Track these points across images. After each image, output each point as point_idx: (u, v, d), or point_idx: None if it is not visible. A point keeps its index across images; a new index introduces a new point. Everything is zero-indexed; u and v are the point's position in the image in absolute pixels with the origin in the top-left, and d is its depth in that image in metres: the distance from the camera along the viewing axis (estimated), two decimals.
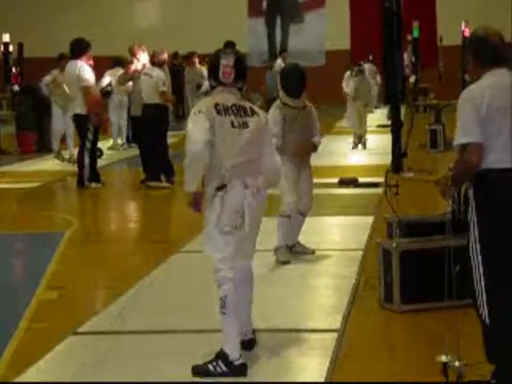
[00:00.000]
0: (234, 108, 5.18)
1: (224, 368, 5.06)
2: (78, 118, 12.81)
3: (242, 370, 5.08)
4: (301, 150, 7.83)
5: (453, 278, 5.25)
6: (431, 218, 6.77)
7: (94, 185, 12.74)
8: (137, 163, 14.14)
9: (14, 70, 23.19)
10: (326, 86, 25.25)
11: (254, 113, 5.25)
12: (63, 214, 10.73)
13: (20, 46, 26.09)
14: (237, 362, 5.07)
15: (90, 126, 12.63)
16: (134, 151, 16.74)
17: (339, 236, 9.24)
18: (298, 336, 5.84)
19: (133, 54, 13.97)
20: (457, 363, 4.71)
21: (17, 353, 5.64)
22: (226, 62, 5.20)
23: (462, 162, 4.62)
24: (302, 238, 8.14)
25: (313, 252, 8.08)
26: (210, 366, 5.09)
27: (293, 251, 7.96)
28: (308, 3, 32.14)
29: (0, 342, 5.80)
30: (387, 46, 13.56)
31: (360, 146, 17.28)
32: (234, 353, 5.08)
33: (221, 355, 5.08)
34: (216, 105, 5.15)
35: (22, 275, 8.48)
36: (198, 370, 5.10)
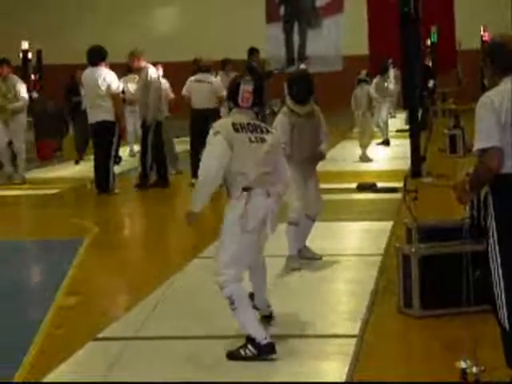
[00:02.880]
0: (249, 126, 5.55)
1: (253, 350, 5.42)
2: (103, 125, 12.62)
3: (269, 349, 5.42)
4: (308, 159, 7.84)
5: (471, 283, 5.23)
6: (450, 223, 6.73)
7: (116, 190, 12.81)
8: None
9: (33, 77, 23.34)
10: (343, 91, 25.24)
11: (268, 131, 5.65)
12: (82, 220, 10.78)
13: (39, 54, 26.25)
14: (264, 342, 5.40)
15: (116, 133, 12.61)
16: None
17: (358, 241, 9.23)
18: (317, 341, 5.84)
19: (136, 61, 13.55)
20: (475, 369, 4.69)
21: (37, 358, 5.66)
22: (246, 88, 5.58)
23: (482, 167, 4.61)
24: (320, 243, 8.13)
25: (320, 258, 8.00)
26: (242, 351, 5.44)
27: (300, 256, 7.88)
28: (326, 9, 32.14)
29: (20, 347, 5.83)
30: (406, 51, 13.55)
31: (360, 157, 16.13)
32: (259, 334, 5.42)
33: (249, 339, 5.45)
34: (233, 124, 5.52)
35: (42, 281, 8.52)
36: (232, 356, 5.47)
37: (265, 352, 5.40)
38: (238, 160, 5.42)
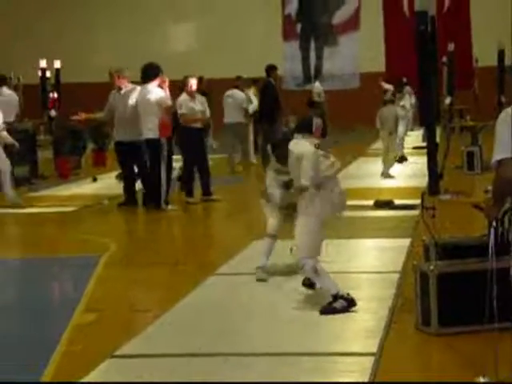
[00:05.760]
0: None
1: (344, 303, 6.67)
2: (151, 143, 12.60)
3: (353, 300, 6.72)
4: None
5: (486, 301, 5.21)
6: (469, 241, 6.72)
7: (170, 207, 12.78)
8: (179, 184, 14.22)
9: (51, 95, 23.45)
10: (360, 108, 25.24)
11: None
12: (101, 237, 10.80)
13: (57, 72, 26.38)
14: (349, 296, 6.71)
15: (164, 150, 12.59)
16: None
17: (375, 259, 9.20)
18: (334, 359, 5.82)
19: (117, 78, 13.28)
20: None
21: (55, 375, 5.67)
22: (317, 122, 7.31)
23: (498, 178, 4.63)
24: (337, 261, 8.09)
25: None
26: (335, 305, 6.66)
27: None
28: (342, 26, 32.18)
29: (38, 364, 5.84)
30: (422, 68, 13.55)
31: (382, 173, 16.23)
32: (342, 291, 6.71)
33: (337, 296, 6.69)
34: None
35: (59, 298, 8.54)
36: (326, 311, 6.65)
37: (352, 303, 6.68)
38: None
